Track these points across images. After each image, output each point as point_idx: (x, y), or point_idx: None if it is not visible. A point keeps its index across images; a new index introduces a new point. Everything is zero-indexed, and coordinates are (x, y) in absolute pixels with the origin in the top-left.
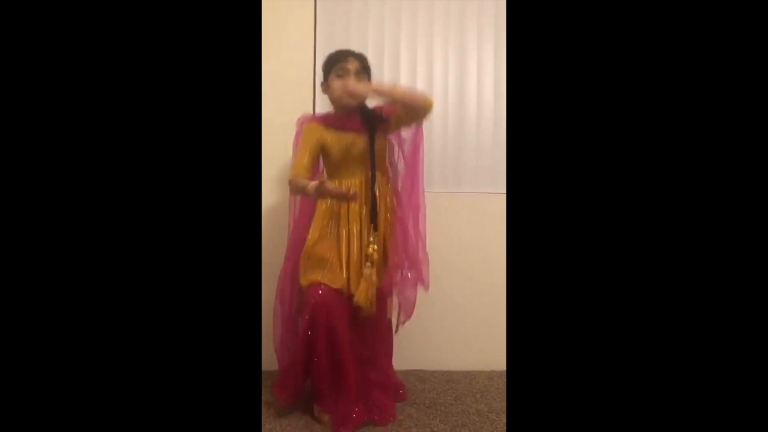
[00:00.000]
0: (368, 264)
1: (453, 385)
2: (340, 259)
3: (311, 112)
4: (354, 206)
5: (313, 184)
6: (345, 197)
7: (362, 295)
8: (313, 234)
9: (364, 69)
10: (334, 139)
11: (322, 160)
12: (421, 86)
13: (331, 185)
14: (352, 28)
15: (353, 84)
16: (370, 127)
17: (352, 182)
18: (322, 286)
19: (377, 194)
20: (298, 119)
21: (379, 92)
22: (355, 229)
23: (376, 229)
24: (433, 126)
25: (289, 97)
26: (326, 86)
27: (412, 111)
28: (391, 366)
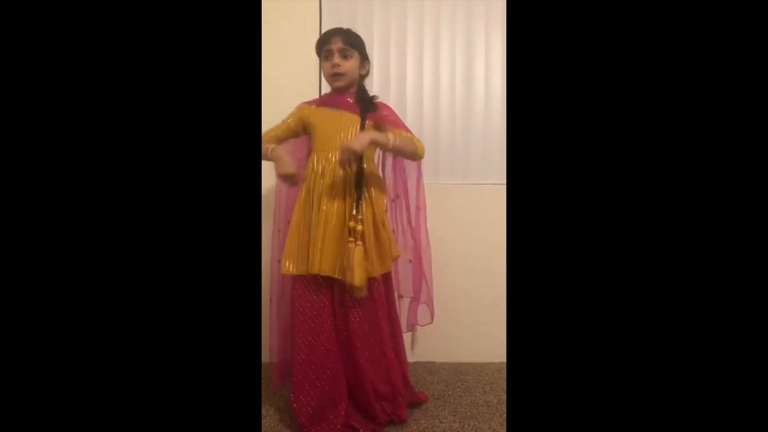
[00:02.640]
0: (351, 240)
1: (462, 376)
2: (315, 240)
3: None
4: (337, 183)
5: (276, 149)
6: (288, 178)
7: (351, 274)
8: (294, 220)
9: (349, 44)
10: (321, 115)
11: (310, 137)
12: (427, 77)
13: (279, 151)
14: (358, 20)
15: (350, 141)
16: (363, 105)
17: (328, 155)
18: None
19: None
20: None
21: (375, 143)
22: (335, 207)
23: (358, 204)
24: (440, 116)
25: (294, 90)
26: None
27: (403, 156)
28: (402, 377)
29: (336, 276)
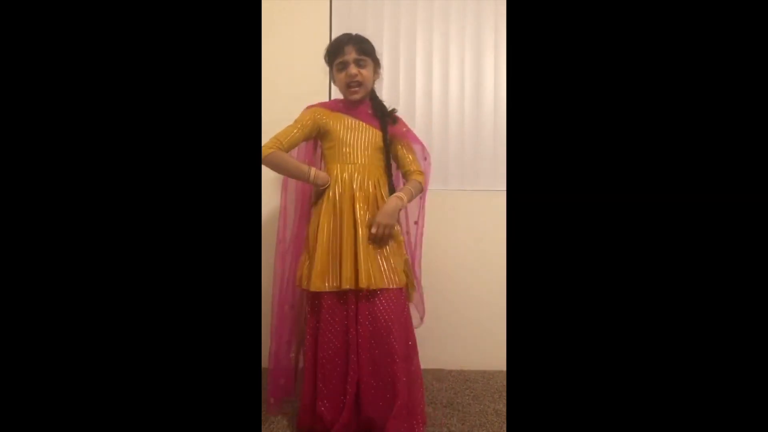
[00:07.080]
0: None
1: (471, 384)
2: (349, 253)
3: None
4: (358, 200)
5: (318, 173)
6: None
7: (364, 274)
8: (320, 236)
9: (363, 53)
10: (339, 123)
11: (321, 145)
12: (436, 83)
13: (322, 177)
14: (368, 21)
15: (381, 216)
16: (383, 120)
17: (352, 168)
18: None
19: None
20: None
21: (399, 208)
22: (355, 219)
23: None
24: (449, 123)
25: (304, 91)
26: (333, 77)
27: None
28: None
29: (380, 286)
